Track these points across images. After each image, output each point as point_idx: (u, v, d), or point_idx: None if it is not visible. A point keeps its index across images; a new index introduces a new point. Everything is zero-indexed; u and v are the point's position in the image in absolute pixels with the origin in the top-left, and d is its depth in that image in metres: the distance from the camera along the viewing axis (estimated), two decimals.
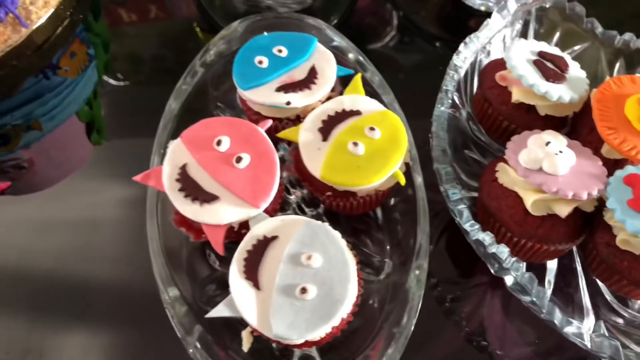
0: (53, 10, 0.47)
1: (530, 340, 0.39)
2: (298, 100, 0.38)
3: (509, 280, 0.35)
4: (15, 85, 0.48)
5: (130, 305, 0.38)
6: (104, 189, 0.45)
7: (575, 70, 0.41)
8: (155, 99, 0.43)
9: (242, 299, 0.31)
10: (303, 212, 0.40)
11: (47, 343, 0.37)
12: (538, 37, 0.46)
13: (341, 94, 0.41)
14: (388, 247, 0.39)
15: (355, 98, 0.38)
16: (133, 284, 0.39)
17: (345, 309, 0.31)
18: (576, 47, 0.46)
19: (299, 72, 0.39)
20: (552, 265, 0.40)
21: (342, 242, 0.33)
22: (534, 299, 0.33)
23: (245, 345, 0.33)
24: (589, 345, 0.33)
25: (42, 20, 0.46)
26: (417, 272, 0.36)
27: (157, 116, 0.41)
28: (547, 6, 0.45)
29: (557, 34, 0.46)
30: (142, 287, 0.38)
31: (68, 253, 0.41)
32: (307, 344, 0.32)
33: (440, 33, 0.55)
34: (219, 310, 0.31)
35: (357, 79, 0.40)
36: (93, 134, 0.50)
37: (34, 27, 0.46)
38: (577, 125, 0.41)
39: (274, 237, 0.33)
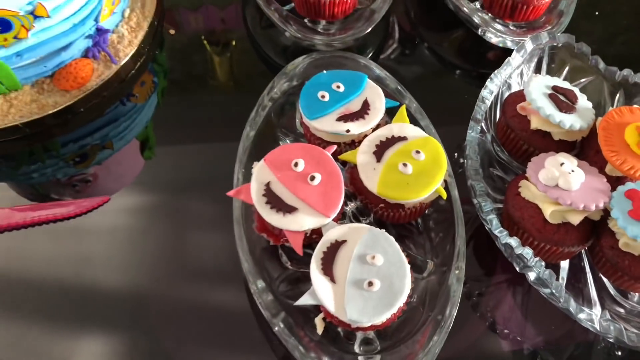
0: (136, 48, 0.55)
1: (546, 328, 0.47)
2: (355, 128, 0.46)
3: (532, 276, 0.43)
4: (102, 112, 0.56)
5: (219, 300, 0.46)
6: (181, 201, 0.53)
7: (583, 102, 0.49)
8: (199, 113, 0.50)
9: (322, 290, 0.39)
10: (358, 220, 0.48)
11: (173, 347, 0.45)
12: (550, 71, 0.54)
13: (387, 122, 0.49)
14: (428, 250, 0.47)
15: (402, 126, 0.46)
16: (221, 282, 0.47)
17: (402, 299, 0.39)
18: (582, 80, 0.54)
19: (355, 105, 0.47)
20: (564, 264, 0.47)
21: (397, 245, 0.41)
22: (553, 291, 0.41)
23: (319, 329, 0.41)
24: (598, 328, 0.41)
25: (127, 57, 0.54)
26: (457, 272, 0.44)
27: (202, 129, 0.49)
28: (559, 46, 0.53)
29: (567, 69, 0.54)
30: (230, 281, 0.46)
31: (166, 259, 0.48)
32: (371, 327, 0.40)
33: (462, 64, 0.64)
34: (305, 299, 0.39)
35: (402, 110, 0.48)
36: (146, 150, 0.57)
37: (121, 63, 0.54)
38: (585, 148, 0.49)
39: (344, 241, 0.41)
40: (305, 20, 0.59)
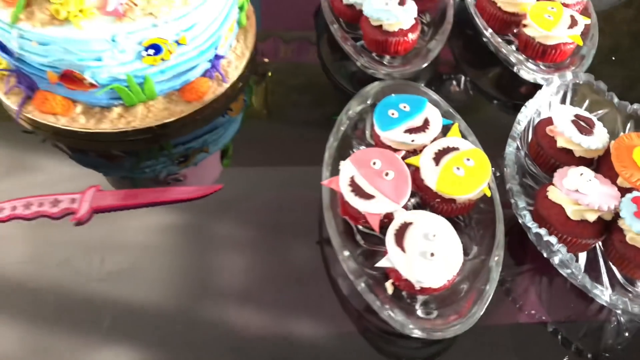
0: (240, 72, 0.69)
1: (565, 306, 0.58)
2: (418, 139, 0.59)
3: (556, 259, 0.54)
4: (210, 120, 0.69)
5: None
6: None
7: (599, 128, 0.61)
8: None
9: (395, 257, 0.51)
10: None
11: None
12: (573, 103, 0.67)
13: (443, 136, 0.61)
14: (473, 238, 0.59)
15: (455, 139, 0.59)
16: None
17: (456, 269, 0.51)
18: (599, 111, 0.66)
19: (417, 121, 0.60)
20: (582, 256, 0.59)
21: (453, 228, 0.53)
22: (573, 270, 0.53)
23: (390, 291, 0.53)
24: (608, 301, 0.52)
25: (234, 78, 0.68)
26: (496, 258, 0.55)
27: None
28: (580, 83, 0.66)
29: (587, 102, 0.67)
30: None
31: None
32: (429, 290, 0.52)
33: (499, 95, 0.77)
34: (383, 262, 0.51)
35: (455, 127, 0.61)
36: (225, 158, 0.70)
37: (230, 83, 0.68)
38: (601, 165, 0.61)
39: (411, 223, 0.53)
40: (374, 54, 0.73)
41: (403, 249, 0.51)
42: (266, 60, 0.74)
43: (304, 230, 0.61)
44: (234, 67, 0.69)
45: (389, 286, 0.53)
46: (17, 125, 0.65)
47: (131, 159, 0.67)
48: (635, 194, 0.55)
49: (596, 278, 0.57)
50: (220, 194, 0.63)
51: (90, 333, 0.52)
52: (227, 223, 0.62)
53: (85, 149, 0.65)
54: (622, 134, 0.64)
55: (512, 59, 0.73)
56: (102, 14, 0.56)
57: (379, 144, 0.62)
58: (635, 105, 0.65)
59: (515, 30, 0.76)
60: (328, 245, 0.57)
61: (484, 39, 0.76)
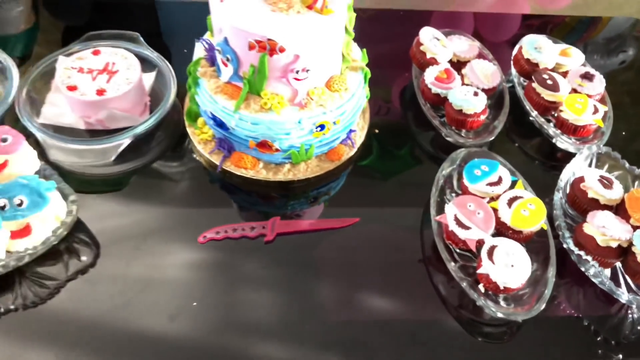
0: (362, 140, 0.99)
1: (597, 305, 0.85)
2: (496, 190, 0.88)
3: (591, 271, 0.82)
4: (339, 174, 0.98)
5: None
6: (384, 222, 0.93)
7: (617, 184, 0.90)
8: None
9: (489, 267, 0.78)
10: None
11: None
12: (597, 166, 0.96)
13: (511, 188, 0.90)
14: (532, 259, 0.87)
15: (520, 190, 0.88)
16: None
17: (526, 277, 0.79)
18: (615, 172, 0.95)
19: (494, 178, 0.89)
20: (607, 271, 0.86)
21: (524, 249, 0.81)
22: (603, 279, 0.81)
23: (482, 290, 0.81)
24: (627, 298, 0.80)
25: (359, 145, 0.98)
26: (550, 272, 0.83)
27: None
28: (602, 153, 0.95)
29: (606, 165, 0.96)
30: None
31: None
32: (508, 290, 0.79)
33: (542, 159, 1.06)
34: (481, 270, 0.79)
35: (520, 182, 0.89)
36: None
37: (356, 148, 0.97)
38: (618, 209, 0.89)
39: (496, 245, 0.81)
40: (453, 128, 1.03)
41: (493, 262, 0.79)
42: (376, 130, 1.04)
43: (410, 250, 0.89)
44: (358, 137, 0.99)
45: (481, 287, 0.81)
46: (218, 173, 0.94)
47: (283, 199, 0.96)
48: None
49: (617, 285, 0.85)
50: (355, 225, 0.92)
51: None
52: (362, 243, 0.90)
53: (261, 191, 0.95)
54: (632, 189, 0.93)
55: (551, 133, 1.02)
56: (291, 105, 0.86)
57: (467, 192, 0.91)
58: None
59: (553, 113, 1.06)
60: (431, 262, 0.85)
61: (531, 119, 1.06)
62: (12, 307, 0.77)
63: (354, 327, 0.80)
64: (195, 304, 0.79)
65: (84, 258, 0.83)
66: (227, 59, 0.82)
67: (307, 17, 0.79)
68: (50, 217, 0.78)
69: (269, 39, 0.76)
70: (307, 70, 0.82)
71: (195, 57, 0.91)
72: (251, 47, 0.78)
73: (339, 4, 0.82)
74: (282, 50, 0.78)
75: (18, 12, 1.21)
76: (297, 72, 0.81)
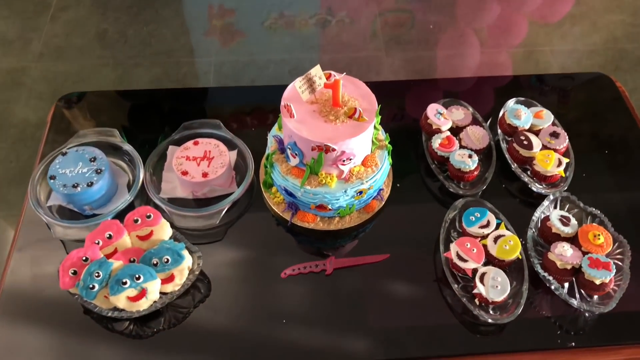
0: (388, 194, 1.36)
1: (557, 308, 1.22)
2: (486, 231, 1.25)
3: (553, 286, 1.19)
4: (372, 220, 1.36)
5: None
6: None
7: (573, 221, 1.26)
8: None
9: (481, 288, 1.16)
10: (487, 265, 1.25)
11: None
12: (561, 207, 1.32)
13: (496, 228, 1.27)
14: (511, 278, 1.23)
15: (503, 231, 1.24)
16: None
17: (507, 293, 1.16)
18: (573, 211, 1.31)
19: (484, 222, 1.26)
20: (566, 285, 1.23)
21: (505, 274, 1.18)
22: (561, 292, 1.17)
23: (477, 303, 1.18)
24: (576, 304, 1.17)
25: (386, 198, 1.35)
26: (524, 288, 1.20)
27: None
28: (563, 196, 1.32)
29: (567, 206, 1.32)
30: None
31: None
32: (494, 302, 1.16)
33: (521, 198, 1.42)
34: (476, 290, 1.16)
35: (502, 224, 1.26)
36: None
37: (384, 202, 1.35)
38: (574, 240, 1.25)
39: (486, 272, 1.18)
40: (454, 181, 1.39)
41: (484, 284, 1.17)
42: (398, 185, 1.41)
43: (426, 275, 1.27)
44: (385, 193, 1.36)
45: (477, 301, 1.19)
46: (289, 226, 1.32)
47: (335, 241, 1.34)
48: (589, 255, 1.20)
49: (572, 295, 1.22)
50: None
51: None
52: (391, 271, 1.28)
53: (319, 237, 1.33)
54: (584, 224, 1.29)
55: (527, 181, 1.39)
56: (339, 180, 1.23)
57: (465, 233, 1.27)
58: (591, 209, 1.30)
59: (527, 166, 1.42)
60: (441, 283, 1.23)
61: (512, 169, 1.42)
62: (161, 327, 1.17)
63: (389, 327, 1.19)
64: (284, 321, 1.18)
65: (203, 291, 1.22)
66: (295, 154, 1.20)
67: (349, 125, 1.17)
68: (185, 268, 1.17)
69: (325, 144, 1.14)
70: (350, 159, 1.19)
71: (268, 144, 1.30)
72: (313, 149, 1.16)
73: (370, 113, 1.19)
74: (333, 150, 1.15)
75: None
76: (343, 160, 1.19)
